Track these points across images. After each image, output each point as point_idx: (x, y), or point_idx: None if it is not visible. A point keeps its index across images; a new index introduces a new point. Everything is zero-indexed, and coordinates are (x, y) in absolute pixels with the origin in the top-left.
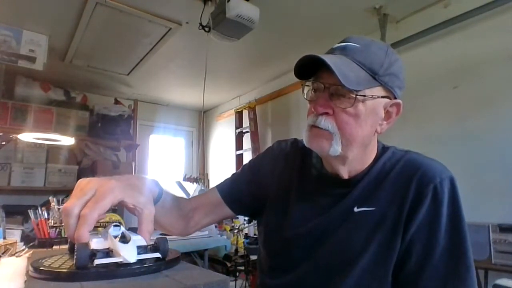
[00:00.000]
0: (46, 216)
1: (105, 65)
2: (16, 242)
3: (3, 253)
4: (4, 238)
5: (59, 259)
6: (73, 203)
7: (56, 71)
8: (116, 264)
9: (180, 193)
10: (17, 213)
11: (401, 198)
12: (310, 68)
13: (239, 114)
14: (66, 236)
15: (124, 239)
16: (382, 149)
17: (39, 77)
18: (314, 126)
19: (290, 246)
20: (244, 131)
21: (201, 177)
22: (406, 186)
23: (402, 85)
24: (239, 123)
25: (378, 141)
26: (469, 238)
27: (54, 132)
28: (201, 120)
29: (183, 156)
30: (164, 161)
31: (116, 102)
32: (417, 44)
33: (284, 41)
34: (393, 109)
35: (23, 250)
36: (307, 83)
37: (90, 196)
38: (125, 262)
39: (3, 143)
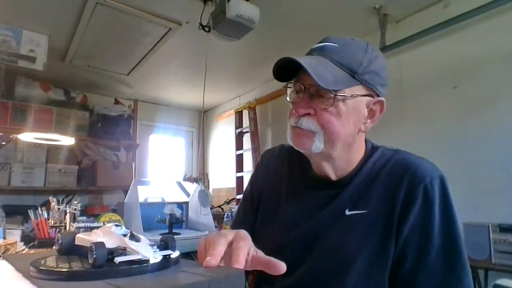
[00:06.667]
0: (46, 216)
1: (105, 65)
2: (16, 242)
3: (3, 253)
4: (4, 238)
5: (56, 259)
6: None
7: (56, 71)
8: (133, 261)
9: (180, 193)
10: (17, 213)
11: (392, 200)
12: (291, 70)
13: (239, 114)
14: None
15: (134, 238)
16: (371, 149)
17: (39, 77)
18: (296, 127)
19: (283, 251)
20: (244, 131)
21: (201, 177)
22: (397, 187)
23: (385, 82)
24: (239, 123)
25: (367, 141)
26: (462, 236)
27: (54, 132)
28: (201, 120)
29: (183, 156)
30: (164, 161)
31: (116, 102)
32: (417, 44)
33: (284, 41)
34: (376, 107)
35: (23, 250)
36: (289, 85)
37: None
38: (144, 259)
39: (3, 143)
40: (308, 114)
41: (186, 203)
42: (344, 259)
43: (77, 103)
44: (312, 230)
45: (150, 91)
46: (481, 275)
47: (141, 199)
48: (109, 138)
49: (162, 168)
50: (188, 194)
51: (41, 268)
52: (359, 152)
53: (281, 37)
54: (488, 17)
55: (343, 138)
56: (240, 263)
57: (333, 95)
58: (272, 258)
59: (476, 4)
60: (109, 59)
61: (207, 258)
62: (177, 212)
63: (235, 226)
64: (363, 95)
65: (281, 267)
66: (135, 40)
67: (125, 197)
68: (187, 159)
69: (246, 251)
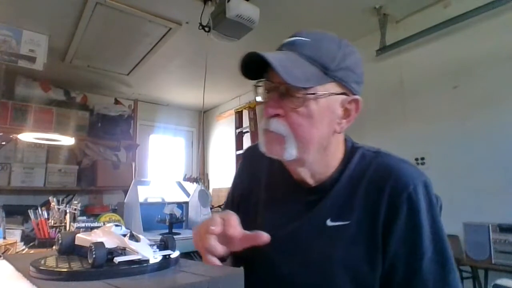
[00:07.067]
0: (46, 216)
1: (105, 65)
2: (16, 242)
3: (3, 253)
4: (4, 238)
5: (56, 259)
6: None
7: (56, 71)
8: (133, 261)
9: (180, 193)
10: (17, 213)
11: (375, 208)
12: (261, 67)
13: (239, 114)
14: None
15: (133, 238)
16: (351, 149)
17: (39, 77)
18: (266, 129)
19: (266, 260)
20: (244, 131)
21: (201, 177)
22: (379, 195)
23: (360, 80)
24: (239, 123)
25: (347, 140)
26: (448, 241)
27: (54, 132)
28: (201, 120)
29: (183, 156)
30: (164, 161)
31: (116, 102)
32: (417, 44)
33: None
34: (351, 106)
35: (23, 250)
36: (259, 83)
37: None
38: (143, 259)
39: (3, 143)
40: (278, 115)
41: (186, 203)
42: (329, 273)
43: (77, 103)
44: (293, 240)
45: (150, 91)
46: (481, 275)
47: (141, 199)
48: (109, 138)
49: (162, 168)
50: (188, 194)
51: (41, 268)
52: (336, 154)
53: (281, 37)
54: (488, 17)
55: (316, 141)
56: (235, 226)
57: (303, 94)
58: (255, 232)
59: (476, 4)
60: (109, 59)
61: (212, 227)
62: (177, 212)
63: None
64: (337, 94)
65: (265, 237)
66: (135, 40)
67: (125, 197)
68: (187, 159)
69: (237, 219)
